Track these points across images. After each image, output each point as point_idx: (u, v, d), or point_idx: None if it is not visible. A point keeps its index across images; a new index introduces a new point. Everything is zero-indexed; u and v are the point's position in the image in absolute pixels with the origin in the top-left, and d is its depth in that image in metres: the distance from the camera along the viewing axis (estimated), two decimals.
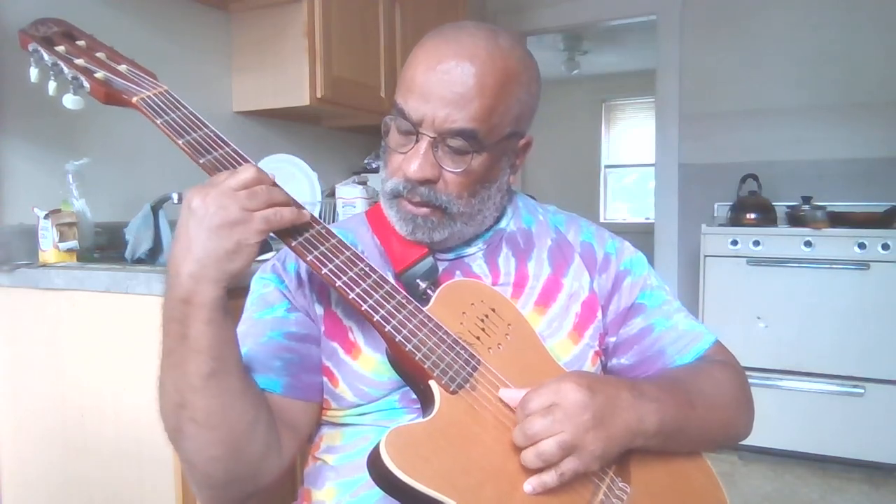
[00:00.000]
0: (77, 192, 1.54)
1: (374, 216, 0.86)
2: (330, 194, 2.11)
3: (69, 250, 1.45)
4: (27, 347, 1.39)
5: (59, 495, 1.38)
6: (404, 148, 0.76)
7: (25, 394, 1.40)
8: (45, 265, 1.41)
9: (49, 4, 1.58)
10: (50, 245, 1.44)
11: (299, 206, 0.70)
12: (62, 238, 1.44)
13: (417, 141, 0.75)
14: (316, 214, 1.90)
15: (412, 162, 0.74)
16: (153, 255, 1.55)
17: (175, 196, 1.56)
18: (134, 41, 1.79)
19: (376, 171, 2.32)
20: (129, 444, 1.27)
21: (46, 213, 1.44)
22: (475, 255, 0.84)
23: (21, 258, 1.48)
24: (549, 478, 0.65)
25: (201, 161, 0.70)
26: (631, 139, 6.00)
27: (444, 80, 0.72)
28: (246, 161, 0.71)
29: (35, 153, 1.58)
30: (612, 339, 0.86)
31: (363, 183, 2.07)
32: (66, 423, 1.35)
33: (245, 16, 2.12)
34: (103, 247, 1.61)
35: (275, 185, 0.68)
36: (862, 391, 2.47)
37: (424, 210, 0.77)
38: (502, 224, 0.87)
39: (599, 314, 0.85)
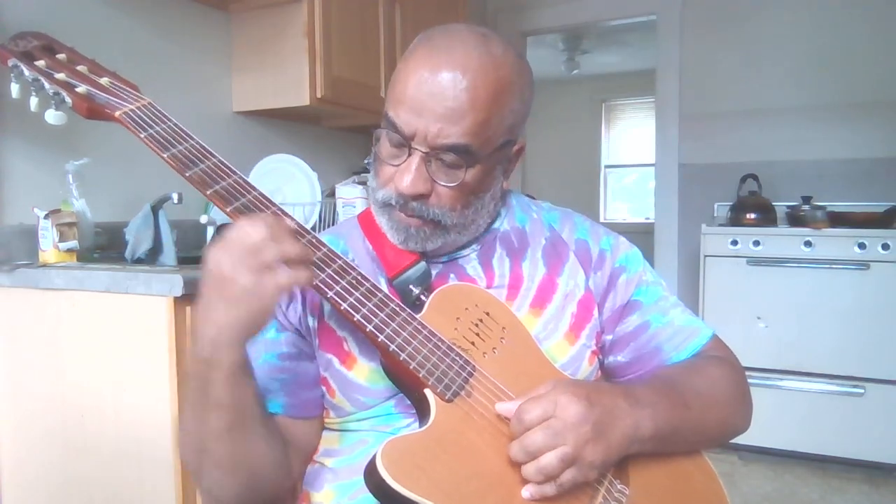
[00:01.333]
0: (77, 192, 1.54)
1: (367, 221, 0.85)
2: (330, 194, 2.10)
3: (69, 250, 1.45)
4: (27, 347, 1.39)
5: (59, 495, 1.38)
6: (396, 161, 0.75)
7: (25, 394, 1.41)
8: (45, 265, 1.41)
9: (49, 6, 1.58)
10: (50, 245, 1.44)
11: (305, 232, 0.70)
12: (62, 238, 1.44)
13: (410, 155, 0.73)
14: (316, 215, 1.91)
15: (405, 177, 0.73)
16: (153, 255, 1.55)
17: (175, 196, 1.55)
18: (134, 42, 1.79)
19: None
20: (129, 444, 1.28)
21: (46, 213, 1.44)
22: (469, 256, 0.84)
23: (21, 258, 1.48)
24: (549, 489, 0.65)
25: (187, 174, 0.70)
26: (631, 139, 5.99)
27: (435, 93, 0.70)
28: (232, 173, 0.70)
29: (35, 153, 1.58)
30: (609, 337, 0.85)
31: (363, 183, 2.06)
32: (66, 423, 1.35)
33: (245, 16, 2.12)
34: (103, 247, 1.62)
35: (285, 217, 0.67)
36: (862, 391, 2.47)
37: (416, 221, 0.76)
38: (496, 224, 0.86)
39: (595, 312, 0.84)
